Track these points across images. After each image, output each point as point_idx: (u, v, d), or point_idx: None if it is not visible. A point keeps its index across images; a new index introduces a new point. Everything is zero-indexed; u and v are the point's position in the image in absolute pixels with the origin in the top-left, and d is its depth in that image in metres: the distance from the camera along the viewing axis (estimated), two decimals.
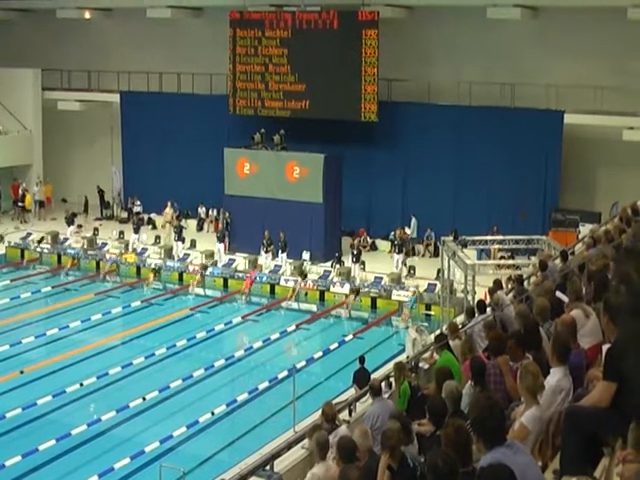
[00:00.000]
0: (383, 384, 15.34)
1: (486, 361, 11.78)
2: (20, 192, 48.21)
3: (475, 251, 33.01)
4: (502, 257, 33.59)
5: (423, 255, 40.48)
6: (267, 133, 41.13)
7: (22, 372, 26.59)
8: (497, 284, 18.71)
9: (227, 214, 41.25)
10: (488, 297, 18.82)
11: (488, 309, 16.70)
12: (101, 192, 49.16)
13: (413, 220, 40.83)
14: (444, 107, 40.07)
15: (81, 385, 25.38)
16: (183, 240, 40.76)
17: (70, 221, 42.71)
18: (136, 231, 41.60)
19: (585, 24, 37.10)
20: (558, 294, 13.36)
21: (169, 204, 44.28)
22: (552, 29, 38.16)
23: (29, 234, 42.95)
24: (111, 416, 23.29)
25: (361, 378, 21.03)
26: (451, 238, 31.60)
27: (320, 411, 13.00)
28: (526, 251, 32.43)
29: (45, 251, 41.40)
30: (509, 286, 20.76)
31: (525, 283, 19.80)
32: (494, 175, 38.82)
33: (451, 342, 14.96)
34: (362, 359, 21.89)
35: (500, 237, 33.04)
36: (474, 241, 32.01)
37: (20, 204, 47.86)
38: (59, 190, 49.96)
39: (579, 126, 37.74)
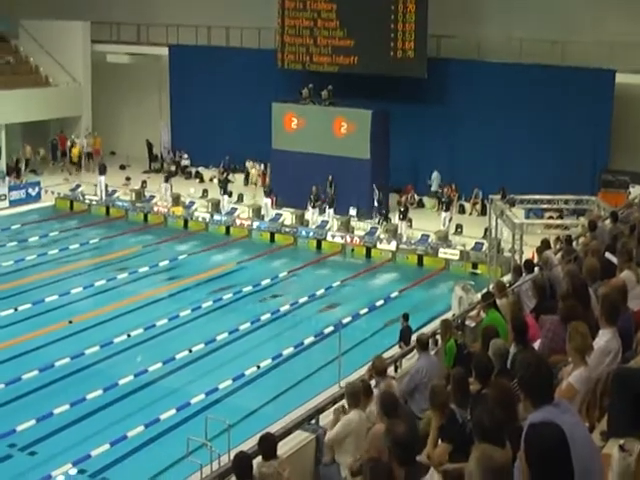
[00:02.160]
0: (430, 340, 15.38)
1: (532, 320, 11.78)
2: (68, 144, 48.62)
3: (523, 210, 32.85)
4: (550, 217, 33.39)
5: (470, 213, 40.37)
6: (315, 88, 41.06)
7: (71, 322, 26.88)
8: (545, 244, 18.61)
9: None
10: (536, 256, 18.75)
11: (536, 269, 16.63)
12: (149, 145, 49.43)
13: (434, 174, 40.83)
14: (493, 64, 39.66)
15: (128, 336, 25.63)
16: (230, 194, 40.95)
17: (102, 171, 42.55)
18: (167, 180, 42.11)
19: None
20: (607, 255, 13.29)
21: (255, 166, 43.22)
22: None
23: (78, 186, 43.30)
24: (157, 367, 23.52)
25: (406, 335, 21.11)
26: (499, 197, 31.40)
27: (370, 364, 13.05)
28: (575, 211, 32.21)
29: (94, 203, 41.74)
30: (557, 246, 20.64)
31: (573, 243, 19.65)
32: (543, 133, 38.46)
33: (498, 301, 14.92)
34: (406, 316, 21.92)
35: (549, 197, 32.75)
36: (522, 200, 31.81)
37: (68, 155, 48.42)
38: (108, 143, 50.25)
39: (631, 85, 37.22)
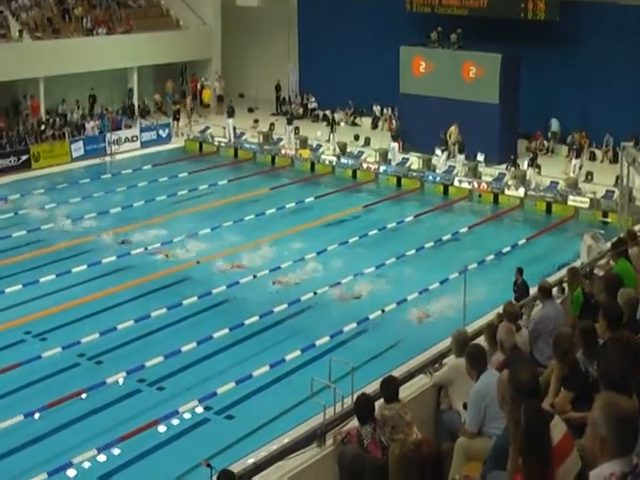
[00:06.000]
0: (555, 289, 15.16)
1: None
2: (199, 87, 49.18)
3: None
4: None
5: (602, 161, 39.50)
6: (444, 32, 40.55)
7: (198, 262, 27.41)
8: None
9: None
10: None
11: None
12: (278, 87, 49.63)
13: (553, 120, 40.01)
14: (628, 7, 38.34)
15: (254, 277, 26.01)
16: (357, 137, 41.18)
17: (230, 113, 42.78)
18: (289, 122, 42.36)
19: None
20: None
21: (455, 125, 38.39)
22: None
23: (207, 128, 43.82)
24: (283, 309, 23.86)
25: (521, 290, 20.85)
26: (631, 144, 30.62)
27: (500, 309, 12.94)
28: None
29: (222, 145, 42.20)
30: None
31: None
32: None
33: (629, 250, 14.61)
34: (520, 271, 21.56)
35: None
36: None
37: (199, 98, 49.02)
38: (236, 85, 50.64)
39: None
